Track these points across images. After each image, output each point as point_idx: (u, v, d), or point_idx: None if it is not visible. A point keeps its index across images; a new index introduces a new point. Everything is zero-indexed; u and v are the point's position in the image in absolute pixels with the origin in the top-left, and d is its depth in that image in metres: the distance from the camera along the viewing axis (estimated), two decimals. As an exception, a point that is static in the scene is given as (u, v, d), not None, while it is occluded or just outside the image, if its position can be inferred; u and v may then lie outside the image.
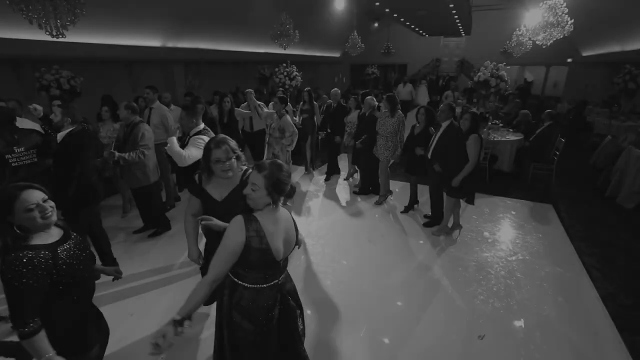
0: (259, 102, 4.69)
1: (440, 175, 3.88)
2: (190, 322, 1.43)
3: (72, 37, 7.58)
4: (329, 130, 5.80)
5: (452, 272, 3.47)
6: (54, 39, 4.50)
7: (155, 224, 4.17)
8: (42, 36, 6.59)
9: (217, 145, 1.89)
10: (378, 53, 15.44)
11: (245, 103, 5.48)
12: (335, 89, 5.83)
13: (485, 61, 6.48)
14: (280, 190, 1.58)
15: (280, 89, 6.07)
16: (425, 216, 4.60)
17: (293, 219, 1.78)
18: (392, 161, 4.79)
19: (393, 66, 19.68)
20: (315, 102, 6.11)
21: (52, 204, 1.47)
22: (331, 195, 5.47)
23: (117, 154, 3.41)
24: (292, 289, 1.82)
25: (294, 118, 6.07)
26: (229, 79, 13.11)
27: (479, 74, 6.41)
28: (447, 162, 3.80)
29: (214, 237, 2.01)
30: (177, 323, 1.39)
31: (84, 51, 7.94)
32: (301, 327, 1.85)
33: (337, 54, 17.82)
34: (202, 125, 2.92)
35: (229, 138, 1.97)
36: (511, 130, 6.76)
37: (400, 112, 4.61)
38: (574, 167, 6.92)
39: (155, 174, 3.96)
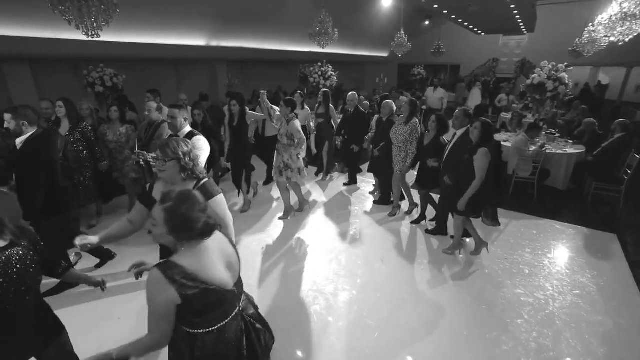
0: (272, 105, 4.42)
1: (450, 189, 3.47)
2: None
3: (123, 37, 8.08)
4: (345, 137, 5.42)
5: (473, 310, 2.92)
6: (94, 39, 4.68)
7: None
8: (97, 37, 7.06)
9: (158, 141, 1.72)
10: (429, 53, 14.56)
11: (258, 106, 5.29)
12: (352, 92, 5.46)
13: (543, 61, 5.61)
14: (187, 229, 1.27)
15: (299, 91, 5.77)
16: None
17: (228, 236, 1.52)
18: (406, 173, 4.42)
19: (445, 67, 18.58)
20: (331, 105, 5.75)
21: None
22: (348, 204, 5.08)
23: (147, 154, 3.32)
24: (254, 311, 1.59)
25: (312, 125, 5.76)
26: (271, 78, 13.20)
27: (533, 75, 5.56)
28: (457, 175, 3.39)
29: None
30: None
31: (133, 50, 8.40)
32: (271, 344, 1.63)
33: (384, 54, 17.20)
34: (188, 128, 2.77)
35: (179, 141, 1.77)
36: (570, 141, 5.80)
37: (416, 120, 4.15)
38: (652, 189, 5.76)
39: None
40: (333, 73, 8.22)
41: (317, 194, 5.46)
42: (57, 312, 1.73)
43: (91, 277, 1.85)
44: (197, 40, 9.69)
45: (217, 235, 1.42)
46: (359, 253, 3.79)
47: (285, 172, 4.14)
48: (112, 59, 7.91)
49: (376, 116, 4.92)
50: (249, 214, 4.71)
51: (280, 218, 4.55)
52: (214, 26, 9.46)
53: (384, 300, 3.04)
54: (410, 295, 3.12)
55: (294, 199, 4.65)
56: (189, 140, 1.84)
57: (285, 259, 3.70)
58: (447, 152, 3.59)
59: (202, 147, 2.54)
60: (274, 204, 5.05)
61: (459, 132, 3.51)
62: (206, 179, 1.83)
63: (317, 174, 6.21)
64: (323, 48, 8.61)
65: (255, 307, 1.61)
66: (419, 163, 4.15)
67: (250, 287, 3.20)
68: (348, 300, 3.05)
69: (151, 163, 3.21)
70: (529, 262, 3.62)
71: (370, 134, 4.96)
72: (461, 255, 3.75)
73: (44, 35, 6.75)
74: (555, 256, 3.76)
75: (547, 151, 5.19)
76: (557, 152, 5.29)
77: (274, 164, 4.30)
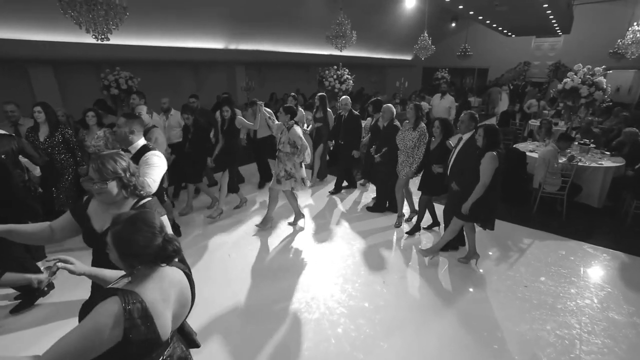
0: (269, 116, 4.26)
1: (458, 195, 3.30)
2: None
3: (143, 40, 8.21)
4: (340, 142, 5.21)
5: (482, 349, 2.54)
6: (102, 42, 4.69)
7: None
8: (119, 40, 7.20)
9: (92, 161, 1.52)
10: (455, 55, 13.97)
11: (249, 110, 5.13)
12: (345, 96, 5.25)
13: (577, 64, 5.07)
14: (136, 254, 1.13)
15: (293, 94, 5.59)
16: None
17: (188, 273, 1.31)
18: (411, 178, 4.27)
19: (472, 70, 17.84)
20: (329, 110, 5.54)
21: None
22: (343, 213, 4.80)
23: None
24: (183, 354, 1.37)
25: (305, 128, 5.54)
26: (290, 81, 13.10)
27: (566, 80, 5.04)
28: (464, 181, 3.23)
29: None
30: None
31: (153, 53, 8.51)
32: None
33: (408, 57, 16.73)
34: (142, 141, 2.41)
35: (115, 157, 1.54)
36: (608, 152, 5.21)
37: (423, 124, 4.01)
38: None
39: (164, 181, 3.78)
40: (349, 77, 7.93)
41: (309, 202, 5.21)
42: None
43: (31, 275, 1.66)
44: (216, 43, 9.73)
45: (183, 279, 1.27)
46: (359, 272, 3.47)
47: (288, 181, 3.93)
48: (132, 62, 8.04)
49: (369, 119, 4.76)
50: (233, 222, 4.52)
51: (256, 225, 4.33)
52: (233, 29, 9.45)
53: (382, 331, 2.72)
54: (410, 326, 2.77)
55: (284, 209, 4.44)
56: (122, 152, 1.62)
57: (274, 275, 3.43)
58: (453, 158, 3.43)
59: (155, 164, 2.24)
60: (262, 212, 4.80)
61: (465, 137, 3.36)
62: (149, 199, 1.61)
63: (310, 181, 5.99)
64: (341, 51, 8.38)
65: (184, 349, 1.40)
66: (423, 170, 4.02)
67: (233, 303, 2.98)
68: (342, 329, 2.75)
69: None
70: (553, 291, 3.18)
71: (364, 139, 4.83)
72: (480, 270, 3.46)
73: (67, 39, 6.91)
74: (585, 286, 3.28)
75: (580, 164, 4.65)
76: (592, 165, 4.74)
77: (273, 172, 4.09)
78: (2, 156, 2.83)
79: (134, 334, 1.05)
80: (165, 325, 1.15)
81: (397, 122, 4.32)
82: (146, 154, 2.27)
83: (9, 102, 3.59)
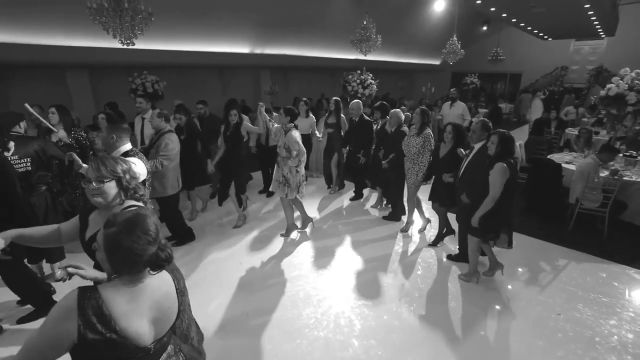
0: (270, 118, 4.15)
1: (468, 208, 3.11)
2: None
3: (171, 45, 8.44)
4: (350, 148, 5.05)
5: (508, 383, 2.28)
6: (128, 47, 4.86)
7: (176, 235, 4.01)
8: (147, 45, 7.42)
9: (91, 161, 1.50)
10: (486, 60, 13.43)
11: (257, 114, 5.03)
12: (356, 100, 5.05)
13: (623, 68, 4.63)
14: (128, 263, 1.08)
15: (305, 99, 5.42)
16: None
17: (176, 278, 1.26)
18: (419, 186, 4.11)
19: (504, 75, 17.12)
20: (342, 115, 5.35)
21: None
22: (357, 222, 4.63)
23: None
24: None
25: (316, 134, 5.37)
26: (315, 85, 13.07)
27: (609, 85, 4.61)
28: (474, 193, 3.07)
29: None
30: None
31: (180, 58, 8.74)
32: None
33: (436, 62, 16.29)
34: (126, 146, 2.43)
35: (115, 158, 1.52)
36: (658, 167, 4.70)
37: (429, 130, 3.89)
38: None
39: (175, 186, 3.79)
40: (373, 81, 7.73)
41: (322, 210, 5.05)
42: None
43: None
44: (241, 48, 9.83)
45: (166, 283, 1.22)
46: (374, 287, 3.27)
47: (284, 187, 3.81)
48: (160, 66, 8.27)
49: (380, 121, 4.67)
50: (245, 228, 4.44)
51: (282, 235, 4.23)
52: (258, 34, 9.53)
53: (394, 354, 2.50)
54: (424, 351, 2.53)
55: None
56: (122, 157, 1.60)
57: (283, 287, 3.29)
58: (463, 168, 3.29)
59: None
60: (274, 219, 4.72)
61: (477, 146, 3.21)
62: (137, 205, 1.54)
63: (329, 189, 5.78)
64: (365, 55, 8.22)
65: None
66: (433, 177, 3.85)
67: (236, 315, 2.87)
68: (351, 350, 2.55)
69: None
70: (592, 322, 2.83)
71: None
72: (509, 287, 3.15)
73: (101, 44, 7.21)
74: (631, 319, 2.90)
75: (625, 178, 4.21)
76: (639, 180, 4.28)
77: (273, 176, 3.98)
78: (27, 158, 2.83)
79: (89, 333, 1.01)
80: (134, 327, 1.08)
81: (405, 128, 4.22)
82: (126, 159, 2.24)
83: (33, 105, 3.68)
